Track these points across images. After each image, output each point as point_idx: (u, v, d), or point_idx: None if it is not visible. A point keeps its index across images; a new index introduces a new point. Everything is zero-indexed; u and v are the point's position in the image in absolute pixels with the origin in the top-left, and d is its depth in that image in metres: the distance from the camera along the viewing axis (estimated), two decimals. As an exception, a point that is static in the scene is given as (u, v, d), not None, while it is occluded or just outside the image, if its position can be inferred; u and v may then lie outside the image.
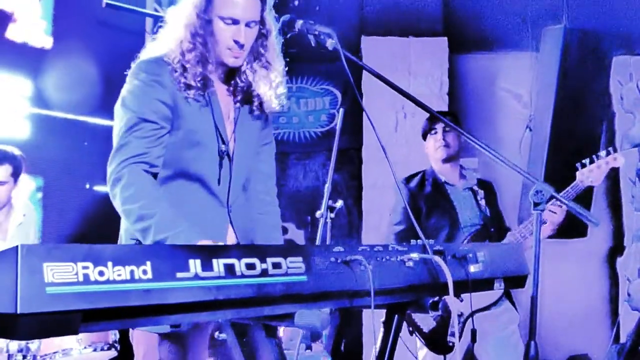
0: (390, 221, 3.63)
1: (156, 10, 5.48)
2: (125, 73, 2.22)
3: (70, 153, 5.10)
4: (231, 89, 2.29)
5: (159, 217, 1.96)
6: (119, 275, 1.36)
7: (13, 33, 4.90)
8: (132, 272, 1.38)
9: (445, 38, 5.88)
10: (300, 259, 1.66)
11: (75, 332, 1.32)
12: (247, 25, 2.17)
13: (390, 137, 5.64)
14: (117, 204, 2.07)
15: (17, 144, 4.75)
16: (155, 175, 2.14)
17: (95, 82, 5.25)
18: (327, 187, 3.33)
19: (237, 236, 2.21)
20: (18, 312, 1.22)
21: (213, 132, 2.20)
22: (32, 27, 5.02)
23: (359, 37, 5.91)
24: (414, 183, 3.66)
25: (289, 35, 2.29)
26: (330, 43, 2.16)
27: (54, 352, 3.11)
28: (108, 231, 5.65)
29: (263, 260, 1.60)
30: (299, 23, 2.22)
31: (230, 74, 2.29)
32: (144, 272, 1.40)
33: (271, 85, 2.30)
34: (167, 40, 2.22)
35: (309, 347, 4.16)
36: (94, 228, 5.10)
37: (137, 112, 2.10)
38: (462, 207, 3.63)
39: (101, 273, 1.34)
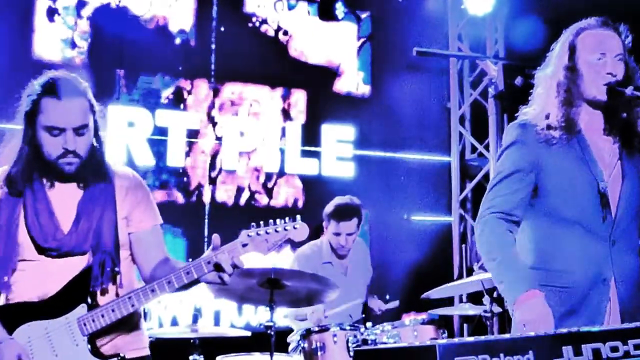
0: None
1: (459, 50, 5.83)
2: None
3: (389, 187, 5.69)
4: (608, 128, 2.42)
5: (507, 283, 2.29)
6: (509, 363, 1.68)
7: (339, 86, 5.65)
8: (518, 359, 1.70)
9: None
10: (661, 340, 1.83)
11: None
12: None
13: None
14: (477, 245, 2.43)
15: (345, 183, 5.47)
16: (517, 223, 2.39)
17: (407, 121, 5.79)
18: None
19: (614, 272, 2.33)
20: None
21: (585, 172, 2.36)
22: (353, 79, 5.72)
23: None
24: None
25: None
26: None
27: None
28: (423, 256, 6.10)
29: (625, 343, 1.81)
30: None
31: (606, 113, 2.41)
32: (528, 359, 1.71)
33: None
34: (535, 98, 2.48)
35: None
36: (412, 253, 5.63)
37: (501, 169, 2.43)
38: None
39: (498, 363, 1.67)
